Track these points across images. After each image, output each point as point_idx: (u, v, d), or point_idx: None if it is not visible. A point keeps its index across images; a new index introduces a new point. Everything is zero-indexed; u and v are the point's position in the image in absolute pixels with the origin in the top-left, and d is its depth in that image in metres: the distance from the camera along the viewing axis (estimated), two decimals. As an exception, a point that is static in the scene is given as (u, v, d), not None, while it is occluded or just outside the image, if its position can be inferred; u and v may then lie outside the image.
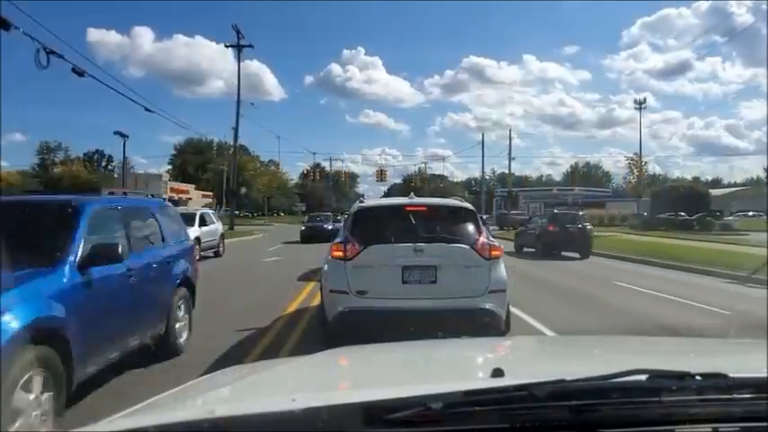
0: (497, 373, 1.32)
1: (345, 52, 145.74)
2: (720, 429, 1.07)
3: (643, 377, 1.14)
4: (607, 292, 11.94)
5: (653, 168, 72.85)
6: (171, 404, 1.40)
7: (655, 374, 1.15)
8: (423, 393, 1.10)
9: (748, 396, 1.12)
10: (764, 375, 1.28)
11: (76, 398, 4.21)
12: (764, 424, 1.08)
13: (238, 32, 36.82)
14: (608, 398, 1.11)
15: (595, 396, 1.11)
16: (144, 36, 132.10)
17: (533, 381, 1.13)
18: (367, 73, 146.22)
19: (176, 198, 63.51)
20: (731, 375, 1.17)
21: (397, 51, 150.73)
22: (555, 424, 1.08)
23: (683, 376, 1.14)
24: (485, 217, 21.93)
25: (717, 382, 1.15)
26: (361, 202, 7.33)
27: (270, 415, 1.07)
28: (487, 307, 5.98)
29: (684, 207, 41.06)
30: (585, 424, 1.07)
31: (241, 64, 38.93)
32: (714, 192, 55.17)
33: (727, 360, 1.83)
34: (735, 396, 1.12)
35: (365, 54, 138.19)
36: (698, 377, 1.14)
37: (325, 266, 6.57)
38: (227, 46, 39.86)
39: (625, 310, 9.67)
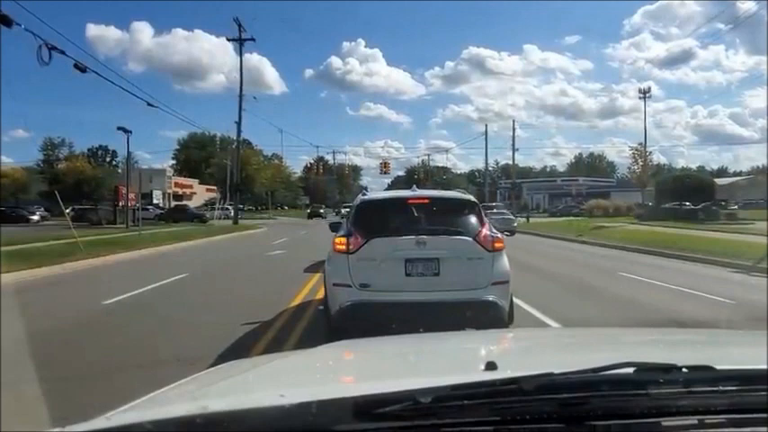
0: (490, 366, 1.33)
1: (345, 44, 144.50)
2: (706, 421, 1.09)
3: (630, 370, 1.15)
4: (613, 283, 11.94)
5: (657, 158, 72.18)
6: (168, 400, 1.42)
7: (642, 367, 1.16)
8: (413, 387, 1.12)
9: (734, 388, 1.13)
10: (750, 367, 1.29)
11: (75, 395, 4.25)
12: (750, 415, 1.09)
13: (240, 26, 36.73)
14: (596, 390, 1.12)
15: (583, 389, 1.12)
16: (143, 31, 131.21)
17: (524, 374, 1.14)
18: (367, 65, 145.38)
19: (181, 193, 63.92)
20: (717, 367, 1.18)
21: (396, 43, 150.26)
22: (544, 417, 1.09)
23: (669, 369, 1.15)
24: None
25: (703, 374, 1.16)
26: (364, 194, 7.32)
27: (262, 410, 1.09)
28: (490, 299, 5.97)
29: (689, 197, 40.91)
30: (573, 417, 1.08)
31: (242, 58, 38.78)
32: (719, 181, 54.89)
33: (715, 352, 1.84)
34: (720, 388, 1.13)
35: (365, 46, 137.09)
36: (684, 369, 1.15)
37: (328, 260, 6.59)
38: (228, 39, 39.78)
39: (629, 300, 9.68)
